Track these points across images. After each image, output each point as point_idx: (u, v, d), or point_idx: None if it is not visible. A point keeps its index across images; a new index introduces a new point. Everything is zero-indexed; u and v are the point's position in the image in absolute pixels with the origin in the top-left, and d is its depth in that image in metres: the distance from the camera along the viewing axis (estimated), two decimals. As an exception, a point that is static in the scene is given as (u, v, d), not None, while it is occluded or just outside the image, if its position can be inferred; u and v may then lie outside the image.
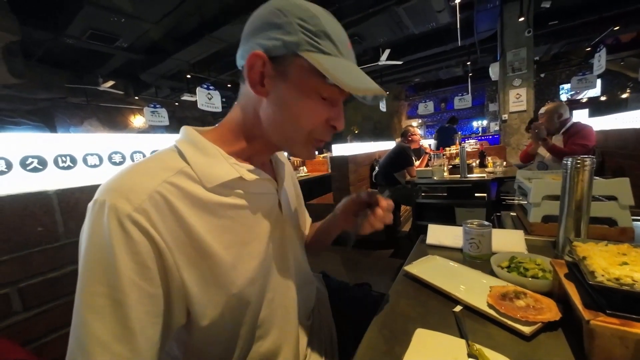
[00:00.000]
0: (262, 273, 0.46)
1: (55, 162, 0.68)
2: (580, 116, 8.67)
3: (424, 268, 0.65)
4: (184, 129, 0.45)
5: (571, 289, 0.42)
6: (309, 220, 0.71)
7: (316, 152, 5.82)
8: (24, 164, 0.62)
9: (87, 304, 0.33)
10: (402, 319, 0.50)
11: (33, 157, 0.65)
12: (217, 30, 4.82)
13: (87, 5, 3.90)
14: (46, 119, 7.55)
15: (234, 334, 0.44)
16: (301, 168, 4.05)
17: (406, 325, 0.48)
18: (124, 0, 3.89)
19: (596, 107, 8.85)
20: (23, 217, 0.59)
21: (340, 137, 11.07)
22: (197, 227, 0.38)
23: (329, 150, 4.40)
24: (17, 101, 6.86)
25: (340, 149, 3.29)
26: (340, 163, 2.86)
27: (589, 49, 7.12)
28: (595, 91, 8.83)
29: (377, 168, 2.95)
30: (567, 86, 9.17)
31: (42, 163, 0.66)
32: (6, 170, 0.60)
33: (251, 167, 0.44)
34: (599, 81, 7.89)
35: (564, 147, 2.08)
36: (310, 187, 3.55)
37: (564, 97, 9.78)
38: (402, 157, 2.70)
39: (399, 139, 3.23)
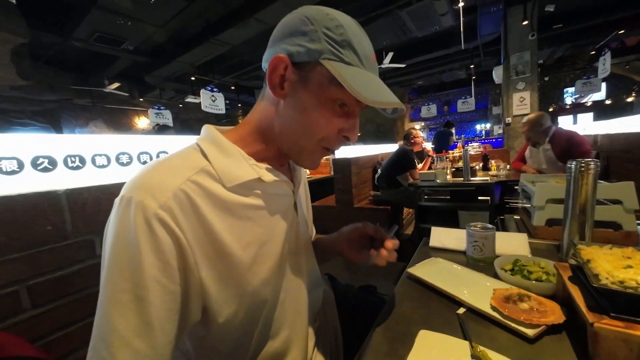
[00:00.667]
0: (276, 273, 0.46)
1: (65, 162, 0.69)
2: (584, 120, 8.62)
3: (427, 270, 0.65)
4: (206, 127, 0.46)
5: (575, 292, 0.42)
6: (314, 230, 0.71)
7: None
8: (35, 164, 0.64)
9: (110, 299, 0.34)
10: (406, 320, 0.51)
11: (44, 157, 0.66)
12: (222, 34, 4.88)
13: (95, 9, 3.96)
14: (52, 120, 7.65)
15: (246, 333, 0.45)
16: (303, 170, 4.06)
17: (409, 326, 0.48)
18: (131, 4, 3.95)
19: (601, 111, 8.79)
20: (34, 216, 0.60)
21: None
22: (216, 226, 0.39)
23: (332, 152, 4.42)
24: (24, 102, 6.96)
25: (342, 151, 3.29)
26: (343, 165, 2.87)
27: (593, 52, 7.09)
28: (601, 94, 8.78)
29: (379, 171, 2.95)
30: (571, 89, 9.12)
31: (52, 163, 0.67)
32: (18, 169, 0.61)
33: (270, 168, 0.45)
34: (603, 84, 7.86)
35: (557, 158, 2.15)
36: (312, 189, 3.53)
37: (568, 100, 9.72)
38: (404, 160, 2.70)
39: (401, 142, 3.23)
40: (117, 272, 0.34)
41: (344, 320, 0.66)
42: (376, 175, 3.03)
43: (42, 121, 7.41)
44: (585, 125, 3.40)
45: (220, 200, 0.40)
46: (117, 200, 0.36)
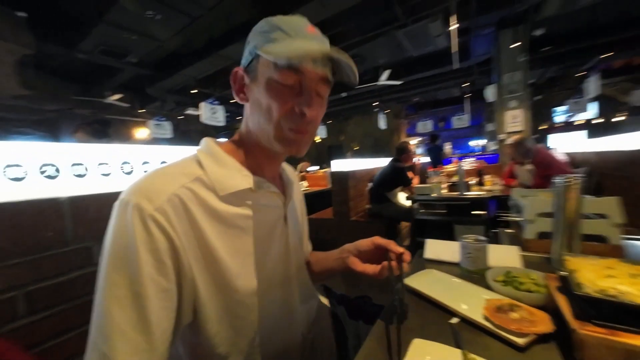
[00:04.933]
0: (265, 284, 0.47)
1: (69, 170, 0.71)
2: (577, 138, 8.82)
3: (422, 281, 0.67)
4: (205, 140, 0.49)
5: (562, 301, 0.44)
6: (309, 246, 0.71)
7: (317, 167, 5.86)
8: (40, 171, 0.65)
9: (109, 294, 0.35)
10: (400, 329, 0.51)
11: (48, 164, 0.68)
12: (224, 49, 5.02)
13: (101, 24, 4.08)
14: (52, 129, 7.68)
15: (237, 341, 0.45)
16: (302, 182, 4.08)
17: (404, 336, 0.49)
18: (136, 20, 4.08)
19: (594, 129, 9.02)
20: (37, 222, 0.61)
21: (340, 153, 11.19)
22: (207, 232, 0.41)
23: (329, 165, 4.46)
24: (26, 111, 7.00)
25: (339, 164, 3.33)
26: (341, 178, 2.90)
27: (582, 73, 7.37)
28: (593, 113, 9.04)
29: (370, 185, 2.96)
30: (562, 108, 9.39)
31: (57, 170, 0.69)
32: (23, 176, 0.63)
33: (262, 179, 0.47)
34: (596, 104, 8.10)
35: (535, 178, 2.35)
36: (310, 202, 3.53)
37: (559, 118, 9.99)
38: (399, 177, 2.72)
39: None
40: (115, 269, 0.36)
41: (339, 329, 0.66)
42: (367, 189, 3.05)
43: (41, 130, 7.44)
44: (576, 143, 3.49)
45: (211, 208, 0.42)
46: (116, 203, 0.38)
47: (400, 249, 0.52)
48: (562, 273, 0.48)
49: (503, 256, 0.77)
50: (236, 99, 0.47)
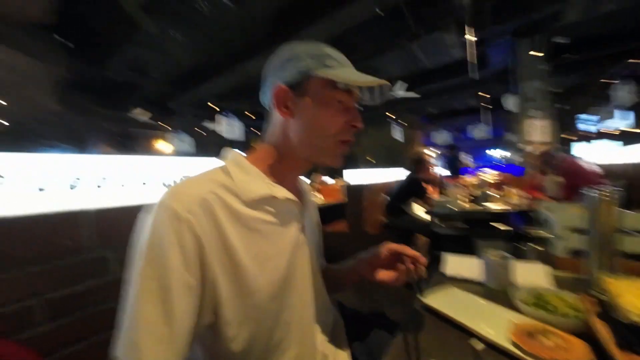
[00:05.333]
0: (282, 288, 0.48)
1: (91, 182, 0.74)
2: (613, 147, 8.33)
3: (440, 299, 0.62)
4: (231, 151, 0.53)
5: (603, 329, 0.40)
6: (323, 261, 0.72)
7: (332, 180, 5.86)
8: (65, 183, 0.68)
9: (141, 285, 0.39)
10: (417, 352, 0.48)
11: (72, 176, 0.71)
12: (241, 64, 5.23)
13: (129, 44, 4.38)
14: (79, 142, 8.21)
15: (252, 346, 0.46)
16: (316, 194, 4.06)
17: (420, 358, 0.46)
18: (161, 40, 4.34)
19: (630, 138, 8.51)
20: (58, 231, 0.63)
21: (353, 163, 11.16)
22: (230, 235, 0.44)
23: (340, 175, 4.44)
24: (56, 125, 7.54)
25: (352, 175, 3.30)
26: (356, 191, 2.86)
27: (607, 80, 7.04)
28: (626, 122, 8.56)
29: (387, 198, 2.89)
30: (589, 117, 8.95)
31: (79, 182, 0.72)
32: (47, 188, 0.66)
33: (282, 188, 0.50)
34: (629, 112, 7.69)
35: (564, 190, 2.18)
36: (324, 215, 3.50)
37: (587, 127, 9.51)
38: (413, 188, 2.64)
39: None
40: (148, 262, 0.39)
41: (354, 346, 0.64)
42: (382, 201, 2.99)
43: (69, 143, 7.96)
44: (609, 153, 3.30)
45: (235, 211, 0.45)
46: (154, 204, 0.43)
47: (415, 252, 0.54)
48: (602, 297, 0.43)
49: (531, 275, 0.72)
50: (277, 113, 0.50)
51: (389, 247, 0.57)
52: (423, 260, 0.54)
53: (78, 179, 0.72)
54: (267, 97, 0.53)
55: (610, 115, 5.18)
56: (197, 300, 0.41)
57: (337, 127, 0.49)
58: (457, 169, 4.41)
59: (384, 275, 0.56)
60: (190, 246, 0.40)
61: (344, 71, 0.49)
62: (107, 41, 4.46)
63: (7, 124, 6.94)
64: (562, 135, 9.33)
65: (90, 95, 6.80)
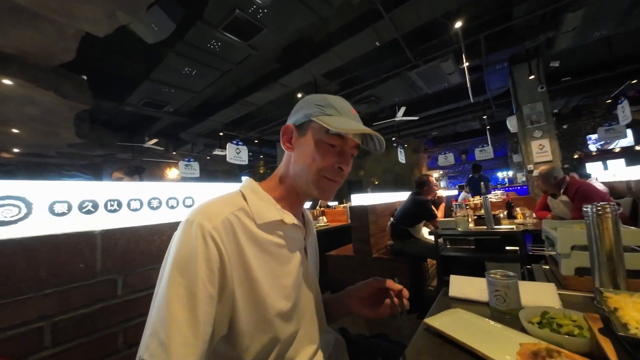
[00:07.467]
0: (290, 305, 0.53)
1: (105, 206, 0.78)
2: (616, 166, 8.21)
3: (446, 322, 0.61)
4: (247, 179, 0.60)
5: (606, 344, 0.39)
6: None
7: (336, 203, 5.85)
8: (80, 207, 0.73)
9: (171, 290, 0.42)
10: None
11: (88, 201, 0.75)
12: (250, 96, 5.52)
13: (146, 80, 4.71)
14: (97, 172, 8.56)
15: (264, 357, 0.50)
16: (321, 218, 4.05)
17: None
18: (176, 76, 4.66)
19: (633, 156, 8.39)
20: (73, 254, 0.66)
21: (360, 188, 11.15)
22: (247, 253, 0.49)
23: (349, 200, 4.44)
24: (76, 157, 7.93)
25: (359, 199, 3.30)
26: (360, 213, 2.84)
27: (609, 101, 7.10)
28: (629, 140, 8.49)
29: (392, 220, 2.83)
30: (594, 136, 8.92)
31: (95, 206, 0.76)
32: (66, 211, 0.70)
33: (290, 214, 0.56)
34: (629, 131, 7.65)
35: (573, 211, 2.16)
36: (330, 238, 3.47)
37: (592, 147, 9.44)
38: (421, 210, 2.58)
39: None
40: (178, 270, 0.43)
41: None
42: (388, 224, 2.93)
43: (87, 173, 8.29)
44: (615, 172, 3.25)
45: (251, 232, 0.51)
46: (183, 221, 0.48)
47: (399, 286, 0.59)
48: (603, 312, 0.43)
49: (538, 295, 0.70)
50: (283, 147, 0.59)
51: (374, 283, 0.62)
52: (406, 293, 0.59)
53: (92, 202, 0.77)
54: None
55: (617, 135, 5.14)
56: (214, 309, 0.44)
57: (323, 165, 0.54)
58: (481, 190, 4.35)
59: (369, 309, 0.62)
60: (215, 260, 0.45)
61: (337, 119, 0.54)
62: (128, 79, 4.82)
63: (30, 153, 7.34)
64: (573, 156, 9.24)
65: (109, 129, 7.22)
